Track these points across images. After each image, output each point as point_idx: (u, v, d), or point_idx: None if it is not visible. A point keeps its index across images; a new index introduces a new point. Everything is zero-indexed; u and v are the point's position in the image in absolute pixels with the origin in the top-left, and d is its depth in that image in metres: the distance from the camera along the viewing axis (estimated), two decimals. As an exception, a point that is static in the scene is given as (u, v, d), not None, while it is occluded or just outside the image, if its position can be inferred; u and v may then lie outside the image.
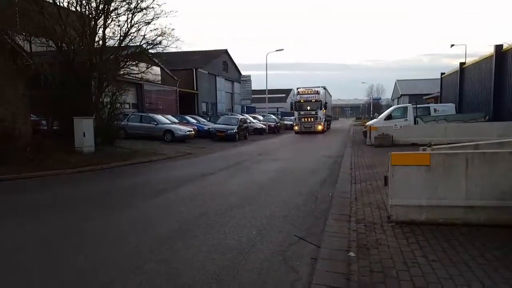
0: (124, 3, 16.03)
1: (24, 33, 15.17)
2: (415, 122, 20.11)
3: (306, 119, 32.63)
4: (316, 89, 33.97)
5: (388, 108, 27.43)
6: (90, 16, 15.88)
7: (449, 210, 5.02)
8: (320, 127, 32.27)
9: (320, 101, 32.96)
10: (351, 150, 15.85)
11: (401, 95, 59.47)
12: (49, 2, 15.05)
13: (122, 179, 10.49)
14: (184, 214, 6.39)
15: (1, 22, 13.80)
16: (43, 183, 9.86)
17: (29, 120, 16.65)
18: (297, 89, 35.19)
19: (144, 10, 16.38)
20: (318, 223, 5.57)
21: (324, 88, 35.95)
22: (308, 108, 32.64)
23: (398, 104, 44.00)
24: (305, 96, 33.58)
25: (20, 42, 15.37)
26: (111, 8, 15.97)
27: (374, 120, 24.79)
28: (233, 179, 10.10)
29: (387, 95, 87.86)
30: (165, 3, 36.94)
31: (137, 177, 10.93)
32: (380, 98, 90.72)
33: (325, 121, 34.21)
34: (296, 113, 33.46)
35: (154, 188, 8.91)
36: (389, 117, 21.34)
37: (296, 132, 33.12)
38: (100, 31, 16.31)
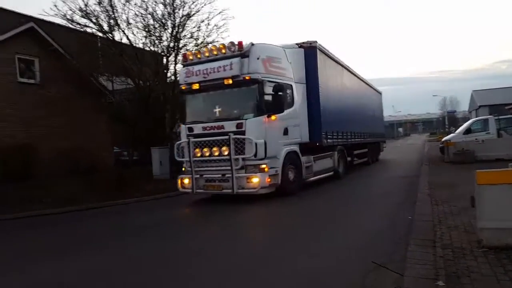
0: (192, 39, 17.14)
1: (106, 74, 16.88)
2: (499, 135, 18.41)
3: (204, 152, 10.06)
4: (246, 44, 9.89)
5: (466, 121, 25.49)
6: (162, 54, 17.21)
7: (552, 234, 4.46)
8: (256, 180, 9.39)
9: (257, 83, 9.70)
10: (428, 169, 14.90)
11: (479, 106, 54.91)
12: (127, 44, 16.61)
13: (195, 205, 10.88)
14: (254, 239, 6.44)
15: (89, 66, 15.56)
16: (125, 210, 10.61)
17: (112, 151, 18.26)
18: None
19: (209, 45, 17.36)
20: (398, 249, 5.25)
21: (313, 46, 12.10)
22: (217, 110, 10.36)
23: (477, 117, 40.70)
24: (203, 67, 10.25)
25: (103, 82, 17.15)
26: (181, 45, 17.20)
27: (452, 134, 23.10)
28: (300, 202, 9.98)
29: (463, 107, 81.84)
30: (229, 36, 38.66)
31: (207, 203, 11.24)
32: (455, 111, 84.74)
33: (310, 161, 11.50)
34: (182, 130, 10.76)
35: (224, 213, 9.13)
36: (468, 131, 19.76)
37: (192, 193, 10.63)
38: (172, 67, 17.56)
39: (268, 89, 9.90)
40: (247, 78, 9.69)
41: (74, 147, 15.25)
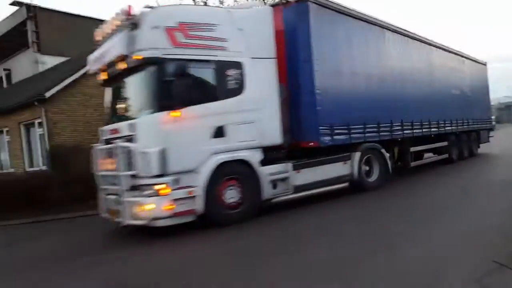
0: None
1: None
2: None
3: (105, 164, 7.36)
4: (140, 10, 6.85)
5: None
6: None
7: None
8: (147, 208, 6.37)
9: (155, 63, 6.67)
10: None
11: None
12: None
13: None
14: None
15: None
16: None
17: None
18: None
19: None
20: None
21: (302, 0, 8.37)
22: (119, 107, 7.86)
23: None
24: (103, 49, 7.48)
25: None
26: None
27: None
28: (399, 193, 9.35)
29: None
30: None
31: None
32: None
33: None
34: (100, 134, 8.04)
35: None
36: None
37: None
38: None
39: (180, 71, 6.78)
40: (137, 58, 6.64)
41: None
